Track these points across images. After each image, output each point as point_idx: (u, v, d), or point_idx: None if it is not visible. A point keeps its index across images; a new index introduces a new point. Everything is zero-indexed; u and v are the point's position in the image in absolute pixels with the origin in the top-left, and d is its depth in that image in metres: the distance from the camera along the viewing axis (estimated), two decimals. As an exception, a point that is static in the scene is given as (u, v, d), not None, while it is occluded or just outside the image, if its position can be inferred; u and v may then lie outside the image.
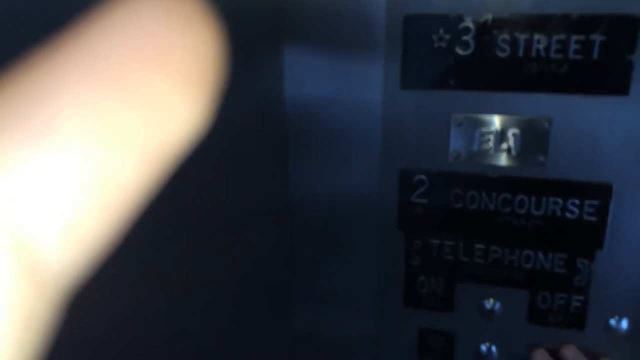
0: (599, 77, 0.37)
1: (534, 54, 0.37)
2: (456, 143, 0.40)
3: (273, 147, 0.44)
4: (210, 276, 0.38)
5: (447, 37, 0.38)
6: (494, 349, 0.45)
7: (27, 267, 0.07)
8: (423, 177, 0.41)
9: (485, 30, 0.37)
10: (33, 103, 0.07)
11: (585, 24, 0.36)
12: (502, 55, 0.38)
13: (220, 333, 0.40)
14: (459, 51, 0.38)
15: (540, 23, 0.37)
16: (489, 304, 0.43)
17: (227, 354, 0.41)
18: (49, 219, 0.07)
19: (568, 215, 0.40)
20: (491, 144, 0.40)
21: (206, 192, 0.35)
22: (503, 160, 0.40)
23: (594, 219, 0.39)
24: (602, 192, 0.39)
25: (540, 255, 0.41)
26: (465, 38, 0.38)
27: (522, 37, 0.37)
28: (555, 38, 0.37)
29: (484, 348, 0.45)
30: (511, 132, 0.39)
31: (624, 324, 0.41)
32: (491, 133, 0.39)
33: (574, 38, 0.36)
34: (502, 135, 0.39)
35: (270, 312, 0.47)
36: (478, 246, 0.42)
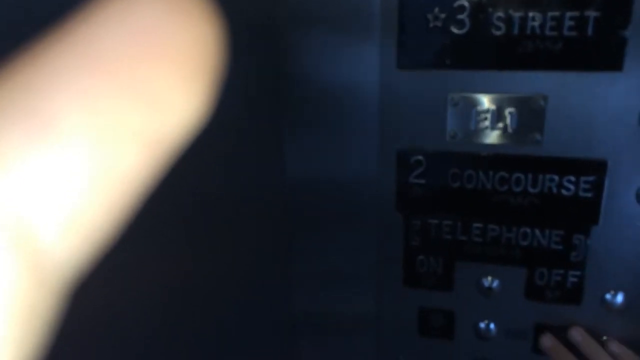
0: (593, 53, 0.37)
1: (528, 31, 0.37)
2: (453, 122, 0.40)
3: (269, 130, 0.44)
4: (209, 263, 0.38)
5: (442, 15, 0.38)
6: (492, 325, 0.45)
7: (29, 260, 0.07)
8: (420, 157, 0.42)
9: (480, 8, 0.37)
10: (32, 97, 0.07)
11: (578, 0, 0.36)
12: (497, 33, 0.38)
13: (220, 318, 0.40)
14: (454, 30, 0.38)
15: (534, 0, 0.37)
16: (487, 281, 0.44)
17: (228, 339, 0.41)
18: (50, 211, 0.07)
19: (564, 192, 0.40)
20: (487, 123, 0.40)
21: (203, 179, 0.35)
22: (499, 139, 0.40)
23: (589, 195, 0.40)
24: (597, 168, 0.39)
25: (537, 232, 0.42)
26: (460, 16, 0.38)
27: (517, 15, 0.37)
28: (549, 15, 0.37)
29: (482, 325, 0.45)
30: (507, 111, 0.39)
31: (619, 298, 0.42)
32: (487, 112, 0.40)
33: (568, 14, 0.36)
34: (498, 114, 0.40)
35: (270, 295, 0.48)
36: (476, 225, 0.43)
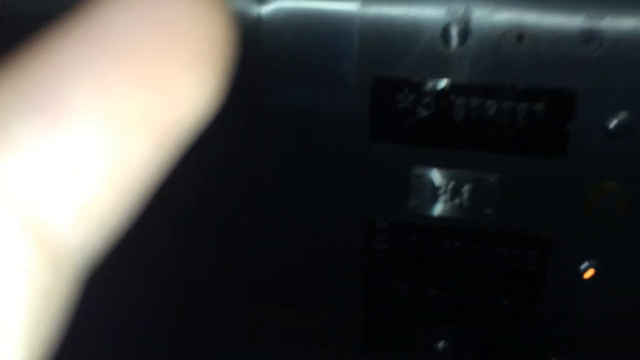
0: (541, 140, 0.41)
1: (486, 117, 0.41)
2: (415, 194, 0.43)
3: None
4: (222, 251, 0.37)
5: (411, 97, 0.42)
6: (443, 387, 0.48)
7: (44, 246, 0.07)
8: (383, 225, 0.44)
9: (443, 95, 0.41)
10: (46, 86, 0.07)
11: (530, 94, 0.41)
12: (458, 117, 0.42)
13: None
14: (421, 111, 0.42)
15: (491, 91, 0.41)
16: (441, 344, 0.46)
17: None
18: (64, 198, 0.07)
19: (512, 264, 0.44)
20: (446, 197, 0.43)
21: (217, 169, 0.35)
22: (456, 212, 0.43)
23: (535, 268, 0.43)
24: (542, 245, 0.43)
25: (487, 299, 0.45)
26: (426, 100, 0.42)
27: (476, 102, 0.41)
28: (504, 105, 0.41)
29: (434, 386, 0.47)
30: (464, 187, 0.43)
31: (561, 364, 0.45)
32: (446, 186, 0.43)
33: (521, 106, 0.41)
34: (456, 189, 0.43)
35: (231, 351, 0.48)
36: (432, 290, 0.45)
